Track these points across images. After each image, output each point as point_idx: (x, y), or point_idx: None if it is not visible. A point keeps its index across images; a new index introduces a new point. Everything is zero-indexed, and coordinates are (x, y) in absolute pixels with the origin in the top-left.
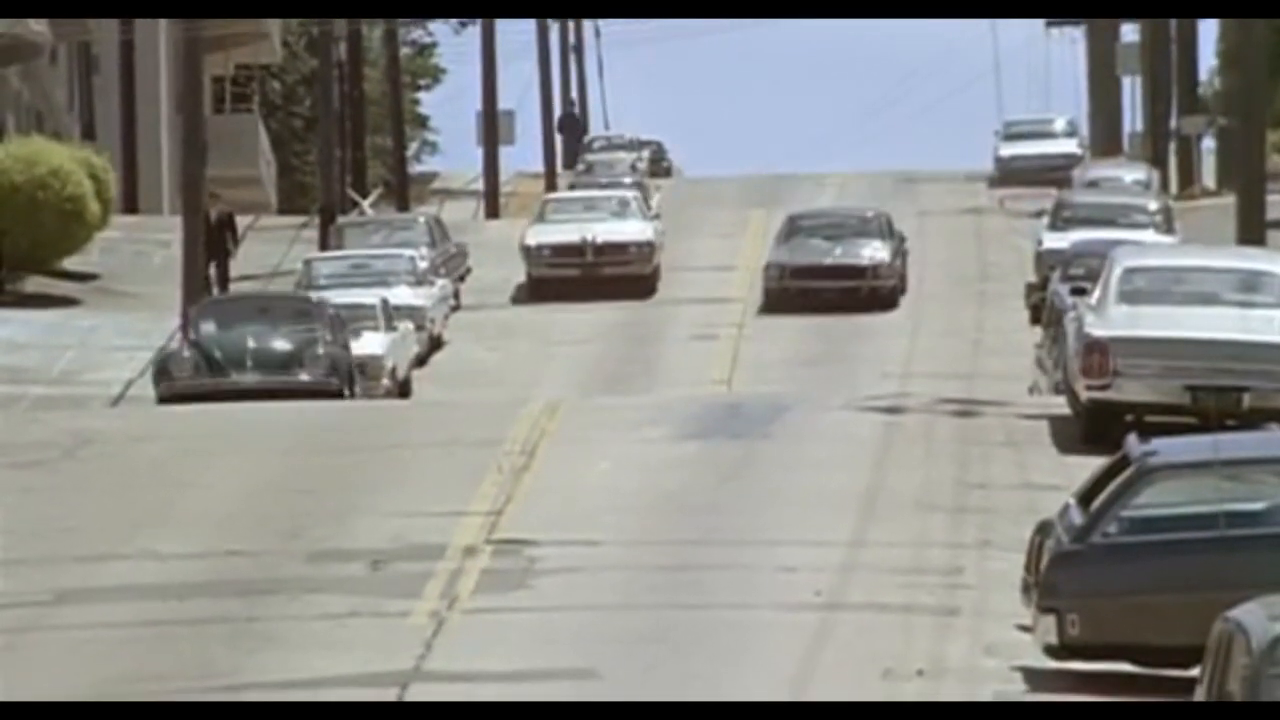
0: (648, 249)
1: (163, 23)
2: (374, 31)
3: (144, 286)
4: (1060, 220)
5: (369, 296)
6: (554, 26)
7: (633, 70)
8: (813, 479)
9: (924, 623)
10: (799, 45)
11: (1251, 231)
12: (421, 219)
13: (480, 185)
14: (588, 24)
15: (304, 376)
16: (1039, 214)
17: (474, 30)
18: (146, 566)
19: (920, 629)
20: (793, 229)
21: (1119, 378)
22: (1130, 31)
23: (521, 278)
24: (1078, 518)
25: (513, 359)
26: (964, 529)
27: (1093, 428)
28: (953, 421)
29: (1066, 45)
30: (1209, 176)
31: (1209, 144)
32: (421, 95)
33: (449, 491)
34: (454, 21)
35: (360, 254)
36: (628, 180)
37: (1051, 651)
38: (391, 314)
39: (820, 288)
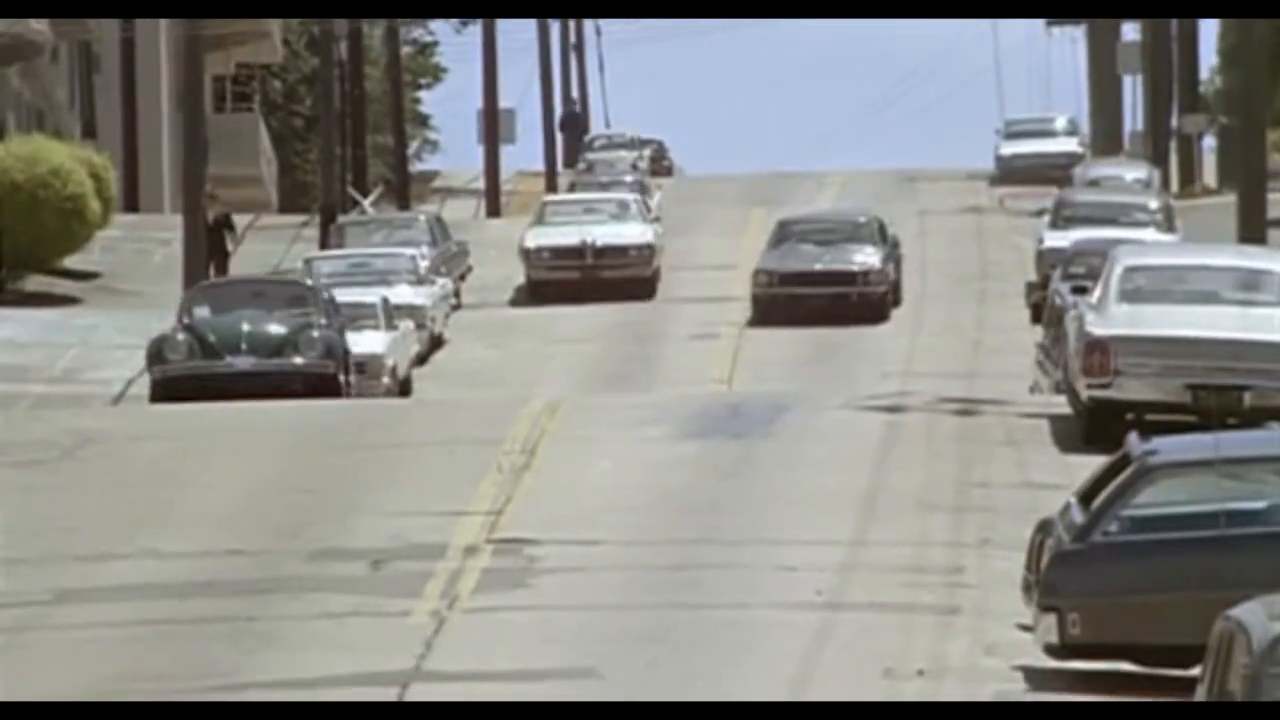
0: (648, 252)
1: (163, 21)
2: (375, 30)
3: (145, 285)
4: (1061, 219)
5: (370, 295)
6: (555, 25)
7: (633, 69)
8: (813, 478)
9: (925, 622)
10: (800, 44)
11: (1252, 230)
12: (422, 218)
13: (481, 184)
14: (588, 22)
15: (298, 360)
16: (1040, 213)
17: (475, 29)
18: (147, 566)
19: (921, 628)
20: (783, 234)
21: (1120, 376)
22: (1131, 30)
23: (521, 278)
24: (1079, 517)
25: (513, 358)
26: (965, 528)
27: (1094, 427)
28: (953, 420)
29: (1067, 44)
30: (1210, 175)
31: (1210, 142)
32: (422, 94)
33: (449, 491)
34: (455, 20)
35: (361, 253)
36: (628, 179)
37: (1052, 651)
38: (392, 313)
39: (810, 294)
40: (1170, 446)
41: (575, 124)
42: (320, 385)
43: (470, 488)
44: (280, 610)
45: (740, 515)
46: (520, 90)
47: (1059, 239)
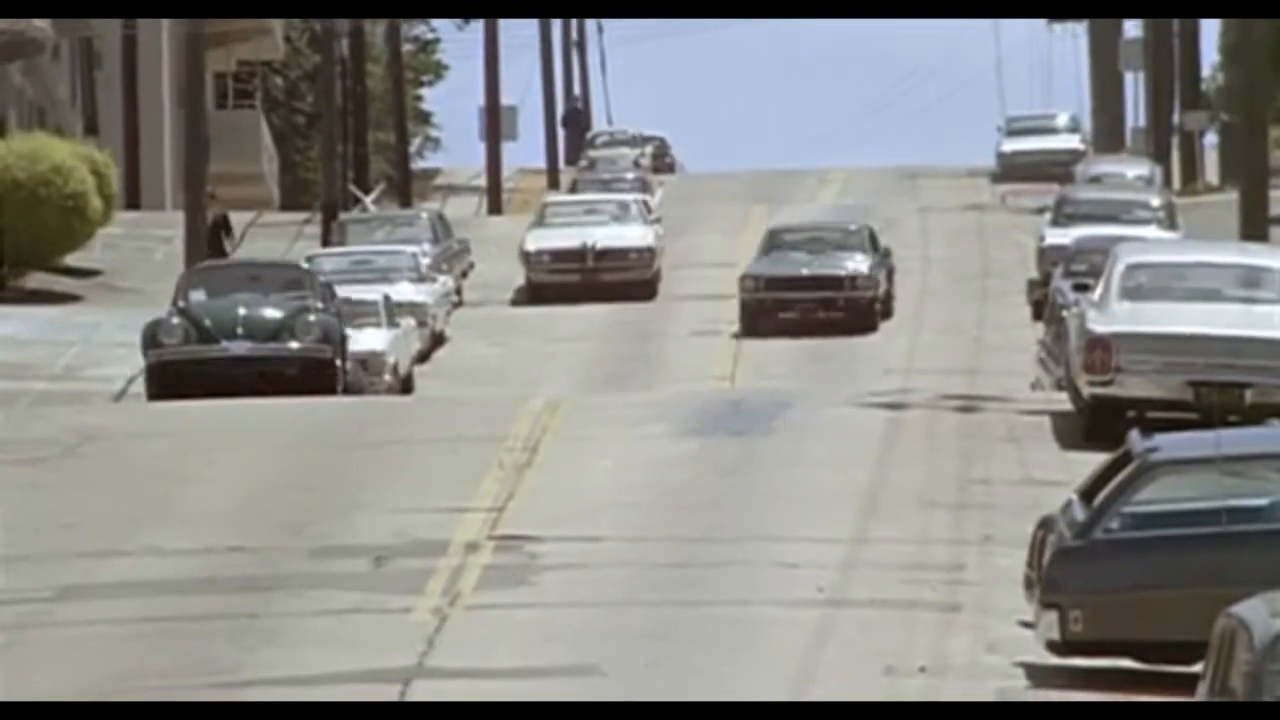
0: (648, 254)
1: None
2: (376, 27)
3: (146, 282)
4: (1062, 216)
5: (371, 293)
6: (556, 22)
7: (635, 66)
8: (815, 475)
9: (926, 619)
10: (802, 41)
11: (1254, 227)
12: (424, 215)
13: (483, 181)
14: (590, 19)
15: (294, 345)
16: (1041, 210)
17: (477, 26)
18: (149, 563)
19: (922, 625)
20: (773, 242)
21: (1121, 373)
22: (1133, 27)
23: (522, 278)
24: (1080, 513)
25: (515, 356)
26: (966, 525)
27: (1095, 423)
28: (955, 417)
29: (1069, 41)
30: (1212, 172)
31: (1212, 139)
32: (424, 91)
33: (451, 488)
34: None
35: (363, 250)
36: (630, 176)
37: (1054, 647)
38: (394, 310)
39: (796, 298)
40: (1172, 443)
41: (577, 121)
42: (316, 370)
43: (472, 485)
44: (282, 607)
45: (742, 512)
46: (522, 87)
47: (1060, 236)
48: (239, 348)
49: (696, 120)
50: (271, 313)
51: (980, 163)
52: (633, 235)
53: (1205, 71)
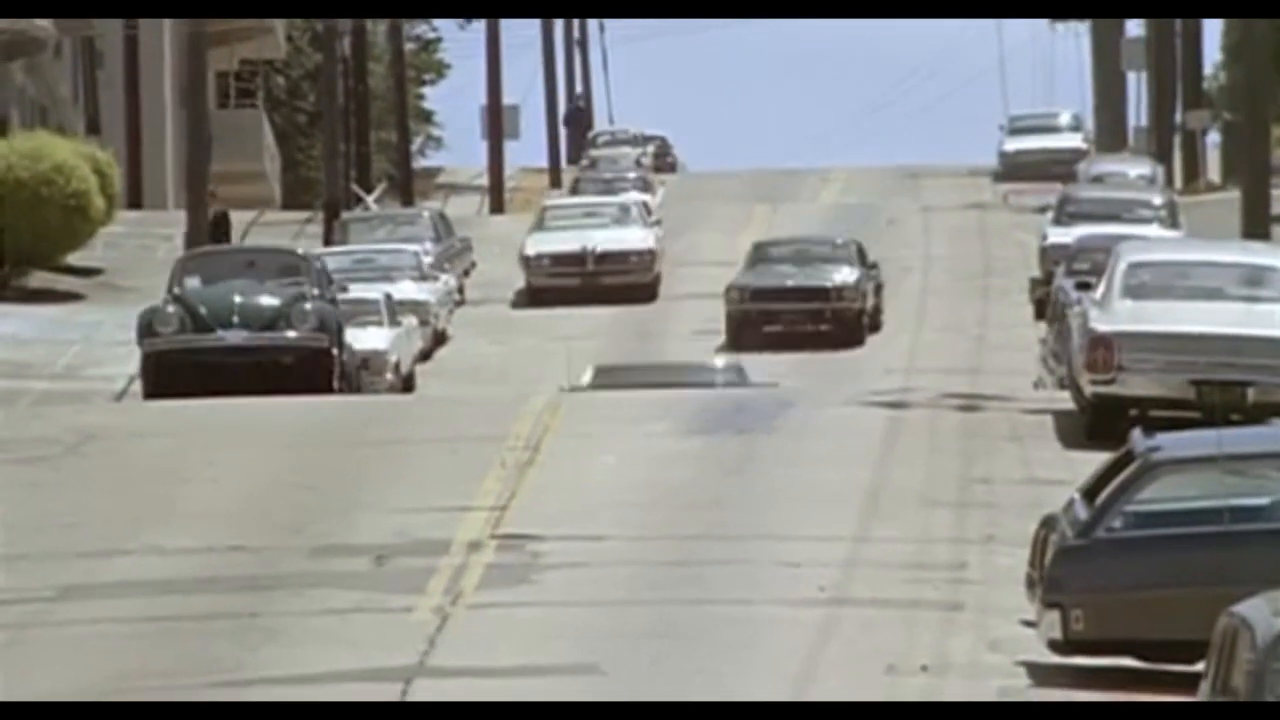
0: (649, 257)
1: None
2: (378, 27)
3: (148, 281)
4: (1065, 215)
5: (373, 291)
6: (558, 21)
7: (637, 65)
8: (816, 474)
9: (928, 618)
10: (803, 40)
11: (1256, 226)
12: (426, 214)
13: (485, 180)
14: (592, 19)
15: (291, 333)
16: (1043, 209)
17: (479, 25)
18: (150, 562)
19: (924, 624)
20: (759, 256)
21: (1123, 372)
22: (1135, 26)
23: (522, 280)
24: (1082, 513)
25: (516, 354)
26: (968, 524)
27: (1097, 422)
28: (957, 416)
29: (1071, 40)
30: (1214, 171)
31: (1214, 138)
32: (426, 90)
33: (453, 486)
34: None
35: (364, 249)
36: (632, 175)
37: (1056, 646)
38: (395, 309)
39: (781, 310)
40: (1174, 442)
41: (579, 120)
42: (313, 359)
43: (474, 484)
44: (283, 606)
45: (743, 511)
46: (524, 86)
47: (1063, 235)
48: (235, 337)
49: (698, 120)
50: (268, 301)
51: (982, 162)
52: (633, 238)
53: (1207, 70)
